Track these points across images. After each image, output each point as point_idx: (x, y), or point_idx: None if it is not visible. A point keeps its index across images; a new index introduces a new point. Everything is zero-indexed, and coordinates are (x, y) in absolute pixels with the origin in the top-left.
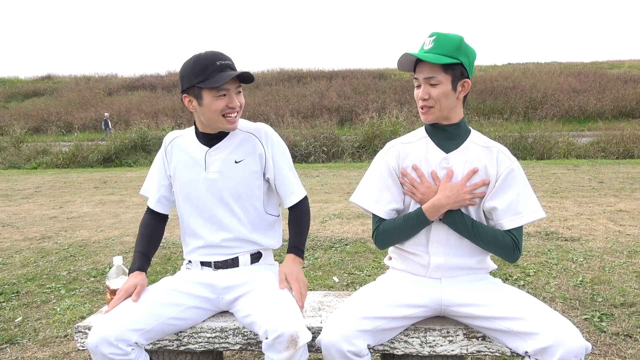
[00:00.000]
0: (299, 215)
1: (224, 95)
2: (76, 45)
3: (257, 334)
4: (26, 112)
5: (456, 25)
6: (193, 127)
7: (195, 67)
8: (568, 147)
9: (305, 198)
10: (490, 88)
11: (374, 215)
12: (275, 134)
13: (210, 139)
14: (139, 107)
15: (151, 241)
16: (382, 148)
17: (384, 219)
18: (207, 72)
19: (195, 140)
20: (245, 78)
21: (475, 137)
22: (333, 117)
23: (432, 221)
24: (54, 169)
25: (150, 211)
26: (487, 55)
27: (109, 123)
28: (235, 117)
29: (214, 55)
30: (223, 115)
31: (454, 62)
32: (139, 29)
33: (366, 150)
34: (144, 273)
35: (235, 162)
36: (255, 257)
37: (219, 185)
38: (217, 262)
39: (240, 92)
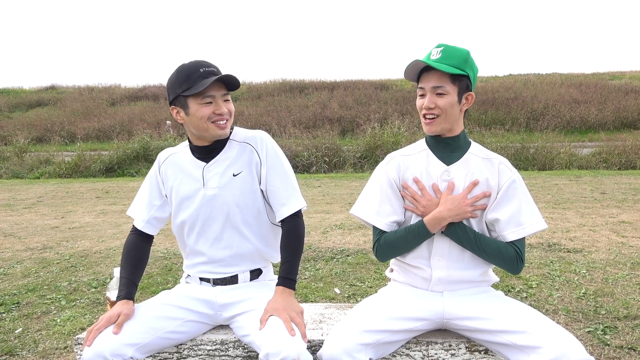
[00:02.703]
0: (288, 234)
1: (210, 102)
2: (80, 56)
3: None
4: (30, 122)
5: (457, 37)
6: (187, 142)
7: (179, 77)
8: (570, 157)
9: (299, 212)
10: (491, 99)
11: (374, 227)
12: (271, 141)
13: (206, 153)
14: (141, 117)
15: (138, 265)
16: (383, 159)
17: (384, 232)
18: (190, 80)
19: (190, 156)
20: (230, 84)
21: (476, 149)
22: (335, 127)
23: (434, 234)
24: (56, 178)
25: (137, 232)
26: (488, 66)
27: (171, 130)
28: (225, 123)
29: (197, 63)
30: (212, 122)
31: (461, 73)
32: (142, 39)
33: (368, 160)
34: (131, 302)
35: (234, 175)
36: (255, 273)
37: (218, 201)
38: (216, 279)
39: (227, 100)
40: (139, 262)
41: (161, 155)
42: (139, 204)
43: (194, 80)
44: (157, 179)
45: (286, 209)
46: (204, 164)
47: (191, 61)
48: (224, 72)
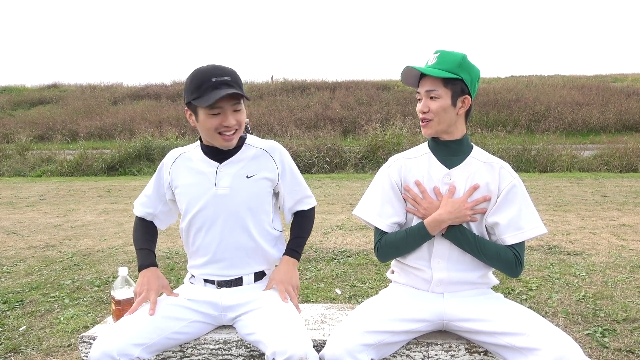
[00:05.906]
0: (302, 220)
1: (218, 113)
2: (82, 54)
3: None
4: (32, 120)
5: (459, 39)
6: (197, 142)
7: (192, 83)
8: (571, 160)
9: (313, 209)
10: (493, 100)
11: (376, 228)
12: (286, 152)
13: (218, 154)
14: (143, 116)
15: (152, 238)
16: (385, 159)
17: (386, 233)
18: (201, 89)
19: (202, 156)
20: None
21: (478, 153)
22: (336, 127)
23: (434, 235)
24: (58, 177)
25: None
26: (490, 67)
27: (249, 128)
28: (232, 134)
29: (211, 71)
30: (219, 133)
31: (454, 77)
32: (144, 38)
33: (369, 161)
34: (158, 270)
35: (247, 177)
36: (259, 275)
37: (229, 200)
38: (221, 281)
39: (238, 110)
40: (153, 235)
41: (170, 155)
42: (146, 202)
43: (204, 91)
44: (164, 177)
45: (301, 205)
46: (217, 163)
47: (207, 67)
48: (242, 77)
